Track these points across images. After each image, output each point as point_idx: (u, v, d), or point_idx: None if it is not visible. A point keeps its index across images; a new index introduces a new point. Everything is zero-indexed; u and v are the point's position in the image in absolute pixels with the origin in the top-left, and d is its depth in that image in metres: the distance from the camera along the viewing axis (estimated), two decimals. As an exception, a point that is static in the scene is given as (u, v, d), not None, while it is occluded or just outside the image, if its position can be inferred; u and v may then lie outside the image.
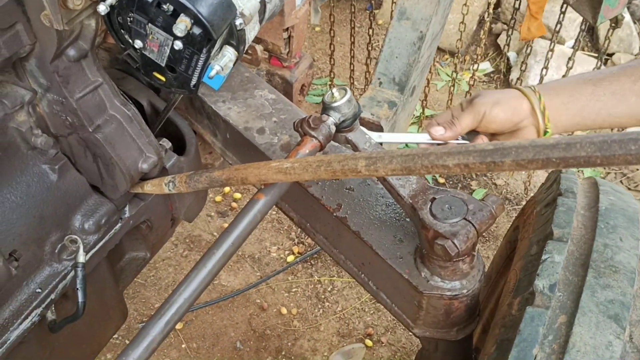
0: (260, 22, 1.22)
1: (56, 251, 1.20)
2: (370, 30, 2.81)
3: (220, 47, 1.11)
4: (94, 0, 0.99)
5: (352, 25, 2.89)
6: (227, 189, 3.14)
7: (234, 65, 1.13)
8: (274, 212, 3.02)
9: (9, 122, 1.08)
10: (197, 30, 1.01)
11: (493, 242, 2.98)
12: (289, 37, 1.62)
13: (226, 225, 2.95)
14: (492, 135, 1.19)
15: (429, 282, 1.10)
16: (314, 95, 3.62)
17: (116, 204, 1.27)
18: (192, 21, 1.00)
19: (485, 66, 3.90)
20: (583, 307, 0.95)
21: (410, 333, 1.39)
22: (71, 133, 1.16)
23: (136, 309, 2.67)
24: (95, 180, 1.24)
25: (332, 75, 3.12)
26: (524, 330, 0.95)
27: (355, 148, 1.16)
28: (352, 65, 3.14)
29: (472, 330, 1.21)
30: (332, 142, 1.15)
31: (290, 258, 2.88)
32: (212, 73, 1.09)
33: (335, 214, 1.22)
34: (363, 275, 1.27)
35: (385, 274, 1.18)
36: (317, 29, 4.18)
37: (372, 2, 4.10)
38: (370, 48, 2.95)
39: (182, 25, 0.99)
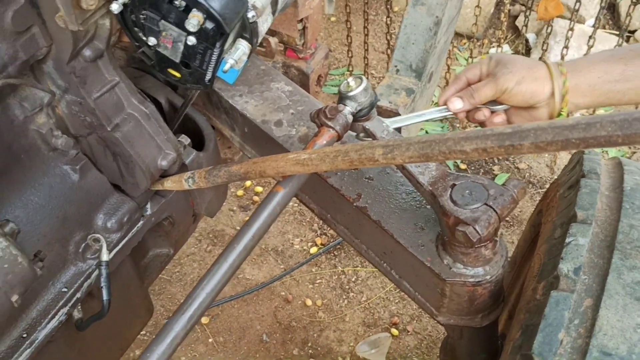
0: (273, 13, 1.21)
1: (80, 250, 1.22)
2: (389, 19, 2.78)
3: (234, 41, 1.11)
4: (107, 0, 1.00)
5: (366, 17, 2.87)
6: (248, 182, 3.15)
7: (248, 58, 1.13)
8: (296, 205, 3.02)
9: (30, 124, 1.09)
10: (209, 25, 1.01)
11: (517, 226, 2.95)
12: (304, 28, 1.62)
13: (248, 219, 2.96)
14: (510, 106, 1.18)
15: (451, 269, 1.10)
16: (331, 85, 3.60)
17: (137, 202, 1.29)
18: (205, 16, 1.00)
19: (504, 49, 3.85)
20: (609, 290, 0.94)
21: (436, 321, 1.38)
22: (90, 133, 1.17)
23: (163, 305, 2.70)
24: (116, 178, 1.25)
25: (351, 69, 3.10)
26: (549, 314, 0.94)
27: (372, 137, 1.15)
28: (365, 58, 3.11)
29: (497, 316, 1.20)
30: (349, 131, 1.15)
31: (314, 250, 2.89)
32: (226, 67, 1.09)
33: (355, 204, 1.22)
34: (385, 264, 1.26)
35: (407, 262, 1.17)
36: (333, 19, 4.16)
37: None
38: (389, 37, 2.92)
39: (194, 20, 0.99)
